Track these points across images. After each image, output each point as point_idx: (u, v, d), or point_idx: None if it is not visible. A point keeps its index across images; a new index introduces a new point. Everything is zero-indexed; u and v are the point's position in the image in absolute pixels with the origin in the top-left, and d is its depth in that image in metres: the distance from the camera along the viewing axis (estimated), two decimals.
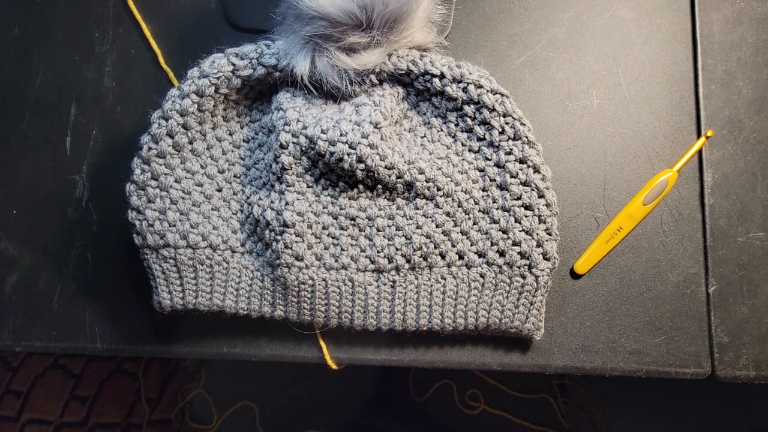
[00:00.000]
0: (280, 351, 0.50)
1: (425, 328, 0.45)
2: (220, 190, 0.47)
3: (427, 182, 0.45)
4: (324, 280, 0.45)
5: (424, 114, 0.47)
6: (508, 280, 0.45)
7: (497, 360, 0.49)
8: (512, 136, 0.45)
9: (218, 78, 0.44)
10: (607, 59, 0.50)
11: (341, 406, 1.12)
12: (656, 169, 0.49)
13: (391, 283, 0.45)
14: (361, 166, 0.43)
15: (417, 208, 0.45)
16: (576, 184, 0.50)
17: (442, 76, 0.44)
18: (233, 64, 0.44)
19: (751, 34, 0.50)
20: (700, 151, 0.49)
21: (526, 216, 0.45)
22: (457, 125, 0.46)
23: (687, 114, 0.50)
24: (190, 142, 0.46)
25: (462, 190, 0.45)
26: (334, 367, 0.49)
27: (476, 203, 0.46)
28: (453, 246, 0.46)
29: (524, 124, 0.45)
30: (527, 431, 1.08)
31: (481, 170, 0.46)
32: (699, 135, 0.49)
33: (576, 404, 1.09)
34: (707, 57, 0.50)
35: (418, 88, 0.46)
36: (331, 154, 0.43)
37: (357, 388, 1.14)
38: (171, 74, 0.51)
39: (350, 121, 0.44)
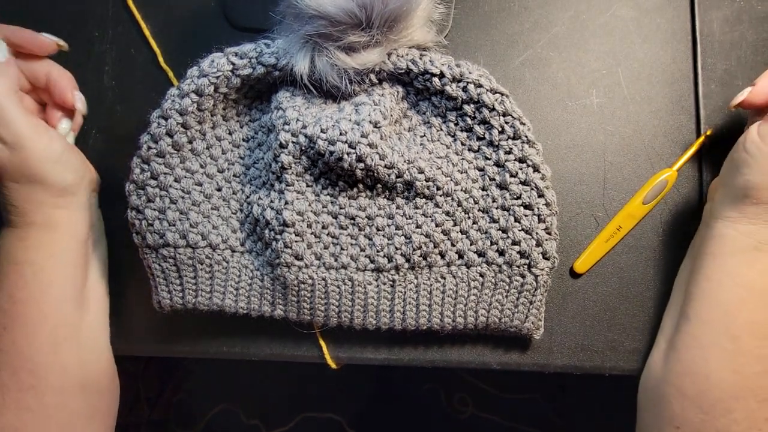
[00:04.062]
0: (280, 351, 0.50)
1: (425, 328, 0.45)
2: (219, 190, 0.47)
3: (426, 181, 0.45)
4: (323, 279, 0.45)
5: (424, 113, 0.47)
6: (507, 280, 0.45)
7: (497, 359, 0.49)
8: (512, 135, 0.45)
9: (218, 77, 0.44)
10: (606, 58, 0.50)
11: (332, 408, 1.12)
12: (656, 168, 0.49)
13: (391, 283, 0.45)
14: (361, 165, 0.43)
15: (416, 208, 0.45)
16: (576, 184, 0.50)
17: (441, 75, 0.44)
18: (233, 63, 0.44)
19: (751, 33, 0.50)
20: (699, 150, 0.49)
21: (525, 215, 0.45)
22: (456, 124, 0.46)
23: (687, 113, 0.50)
24: (190, 142, 0.46)
25: (461, 190, 0.45)
26: (333, 366, 0.49)
27: (476, 202, 0.46)
28: (452, 245, 0.46)
29: (524, 124, 0.44)
30: None
31: (481, 169, 0.46)
32: (699, 134, 0.49)
33: (569, 404, 1.09)
34: (707, 56, 0.50)
35: (417, 87, 0.46)
36: (331, 153, 0.43)
37: (352, 388, 1.14)
38: (170, 74, 0.51)
39: (350, 120, 0.44)
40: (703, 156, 0.49)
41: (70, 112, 0.47)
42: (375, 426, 1.10)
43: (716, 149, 0.49)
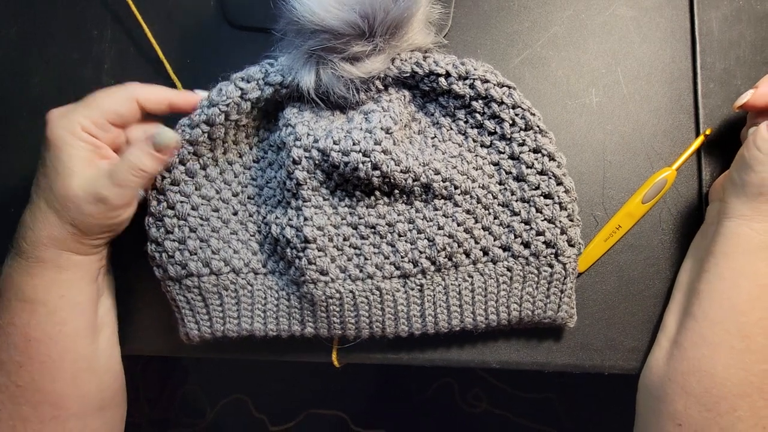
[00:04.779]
0: (282, 351, 0.50)
1: (458, 329, 0.45)
2: (236, 214, 0.47)
3: (443, 182, 0.44)
4: (351, 291, 0.45)
5: (432, 114, 0.47)
6: (535, 271, 0.45)
7: (496, 358, 0.49)
8: (523, 126, 0.45)
9: (227, 105, 0.43)
10: (606, 57, 0.50)
11: (338, 404, 1.12)
12: (655, 168, 0.49)
13: (419, 287, 0.45)
14: (377, 172, 0.43)
15: (436, 209, 0.45)
16: (575, 182, 0.49)
17: (447, 75, 0.44)
18: (240, 89, 0.43)
19: (750, 32, 0.50)
20: (698, 150, 0.49)
21: (546, 205, 0.44)
22: (466, 122, 0.46)
23: (686, 112, 0.50)
24: (203, 168, 0.46)
25: (479, 186, 0.45)
26: (336, 365, 0.49)
27: (495, 197, 0.46)
28: (476, 243, 0.45)
29: (534, 114, 0.45)
30: (529, 431, 1.08)
31: (496, 164, 0.46)
32: (698, 133, 0.49)
33: (579, 403, 1.09)
34: (706, 55, 0.50)
35: (423, 90, 0.46)
36: (346, 164, 0.43)
37: (356, 384, 1.14)
38: (178, 84, 0.51)
39: (361, 129, 0.43)
40: (703, 155, 0.49)
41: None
42: (381, 422, 1.10)
43: (715, 148, 0.49)
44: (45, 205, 0.41)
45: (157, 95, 0.43)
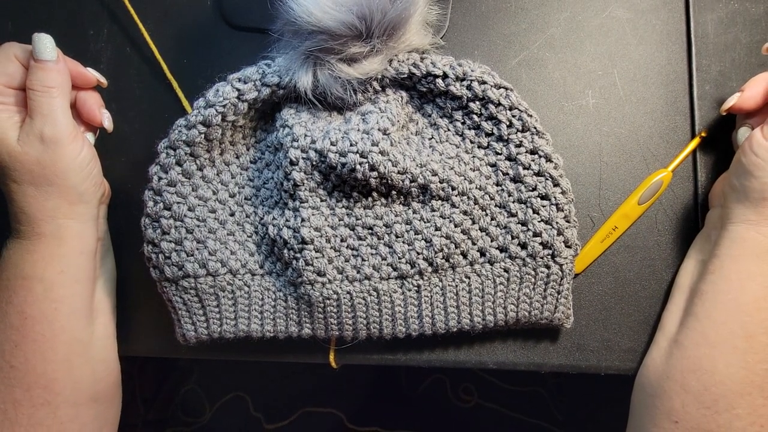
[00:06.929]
0: (280, 352, 0.50)
1: (456, 329, 0.45)
2: (233, 215, 0.47)
3: (441, 183, 0.44)
4: (348, 293, 0.45)
5: (430, 116, 0.47)
6: (532, 272, 0.45)
7: (493, 359, 0.49)
8: (520, 128, 0.45)
9: (224, 105, 0.43)
10: (602, 59, 0.51)
11: (333, 402, 1.12)
12: (651, 169, 0.50)
13: (416, 288, 0.45)
14: (374, 173, 0.43)
15: (433, 210, 0.45)
16: (572, 184, 0.49)
17: (445, 76, 0.44)
18: (237, 90, 0.43)
19: (745, 35, 0.50)
20: (694, 151, 0.49)
21: (543, 206, 0.44)
22: (463, 123, 0.46)
23: (681, 114, 0.50)
24: (200, 169, 0.46)
25: (476, 187, 0.45)
26: (334, 366, 0.49)
27: (492, 198, 0.46)
28: (473, 244, 0.45)
29: (531, 115, 0.45)
30: (521, 423, 1.09)
31: (493, 165, 0.46)
32: (693, 135, 0.50)
33: (569, 394, 1.11)
34: (701, 57, 0.50)
35: (421, 91, 0.46)
36: (343, 165, 0.43)
37: (351, 382, 1.14)
38: (175, 84, 0.50)
39: (358, 130, 0.43)
40: (698, 156, 0.49)
41: (92, 127, 0.47)
42: (376, 420, 1.11)
43: (711, 149, 0.49)
44: (15, 184, 0.42)
45: (26, 49, 0.43)
